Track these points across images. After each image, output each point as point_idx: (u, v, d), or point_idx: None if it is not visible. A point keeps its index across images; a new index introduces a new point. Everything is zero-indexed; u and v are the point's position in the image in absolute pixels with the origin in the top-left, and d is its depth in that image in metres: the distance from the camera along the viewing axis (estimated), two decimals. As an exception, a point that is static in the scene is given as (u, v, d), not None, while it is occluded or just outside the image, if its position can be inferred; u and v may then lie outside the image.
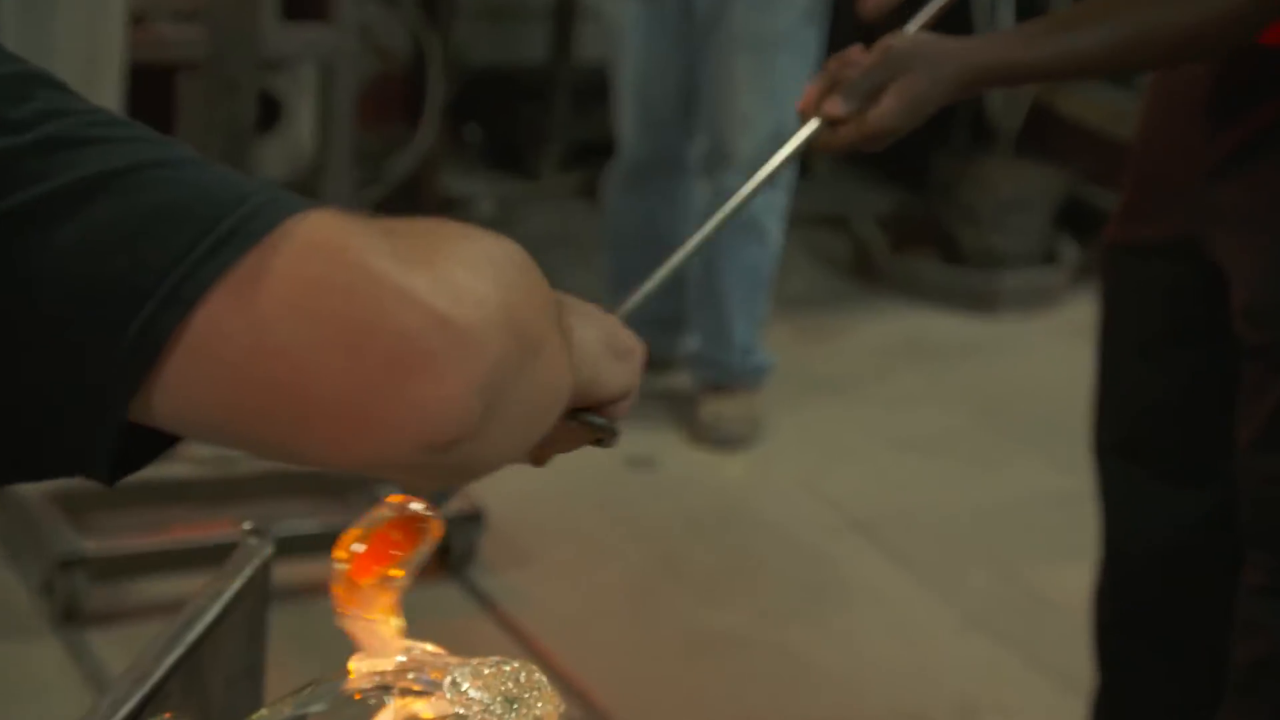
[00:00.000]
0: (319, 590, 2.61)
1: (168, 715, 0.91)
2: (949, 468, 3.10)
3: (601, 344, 0.80)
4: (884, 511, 2.92)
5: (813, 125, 1.37)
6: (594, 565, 2.66)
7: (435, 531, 0.80)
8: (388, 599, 0.78)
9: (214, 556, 1.96)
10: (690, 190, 3.13)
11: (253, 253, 0.61)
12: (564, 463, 3.58)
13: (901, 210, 4.06)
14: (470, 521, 2.52)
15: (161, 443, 0.66)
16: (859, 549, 2.80)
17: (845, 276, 3.84)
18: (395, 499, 0.80)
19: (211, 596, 1.04)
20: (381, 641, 0.81)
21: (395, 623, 0.79)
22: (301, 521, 2.36)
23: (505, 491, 2.81)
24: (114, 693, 0.93)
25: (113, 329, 0.61)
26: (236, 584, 1.05)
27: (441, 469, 0.65)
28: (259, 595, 1.09)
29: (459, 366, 0.62)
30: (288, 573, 2.30)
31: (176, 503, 2.45)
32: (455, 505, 2.54)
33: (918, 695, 2.38)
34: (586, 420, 0.81)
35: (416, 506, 0.80)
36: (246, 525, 1.10)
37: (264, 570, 1.09)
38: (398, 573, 0.78)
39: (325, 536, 2.64)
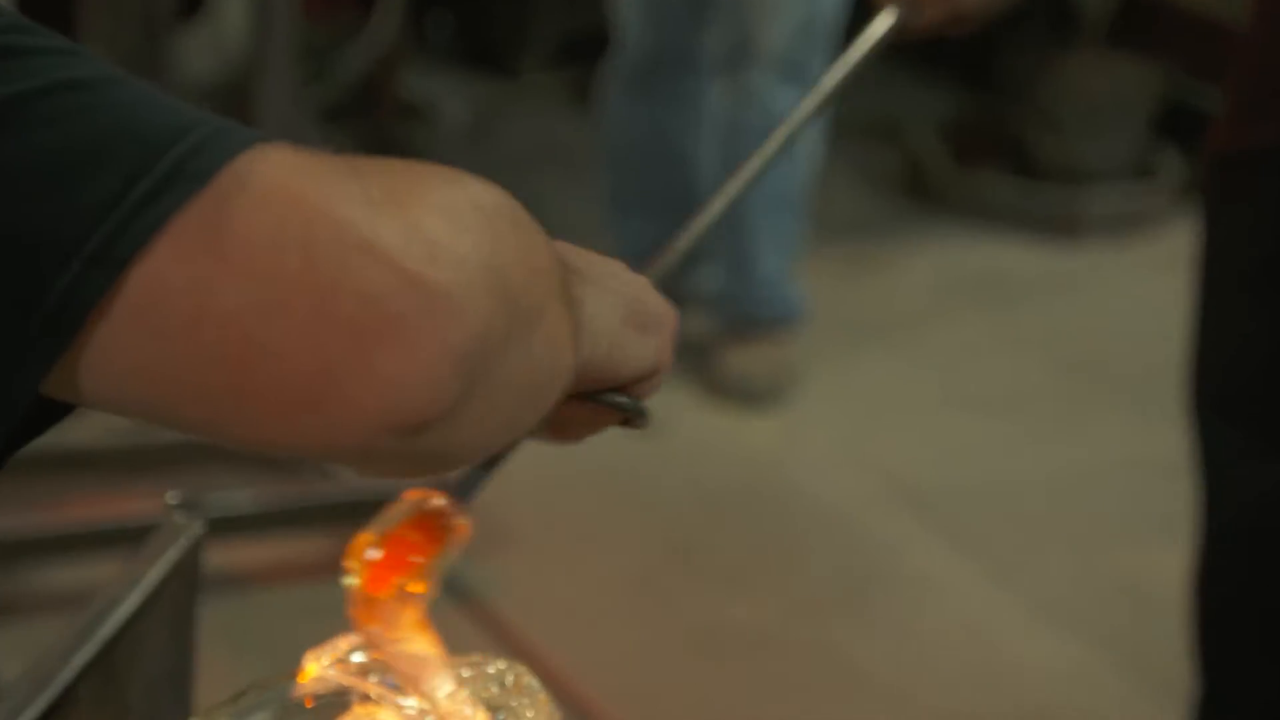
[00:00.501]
0: (256, 578, 2.64)
1: (78, 725, 0.93)
2: (1021, 431, 3.12)
3: (621, 315, 0.80)
4: (942, 484, 2.93)
5: (891, 13, 1.35)
6: (592, 550, 2.68)
7: (462, 531, 0.81)
8: (412, 614, 0.79)
9: (130, 539, 1.98)
10: (705, 93, 3.13)
11: (196, 200, 0.61)
12: (554, 425, 3.48)
13: (965, 116, 4.05)
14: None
15: (61, 410, 0.67)
16: (912, 529, 2.82)
17: (897, 197, 3.84)
18: (414, 493, 0.81)
19: (128, 585, 1.05)
20: (423, 664, 0.82)
21: (429, 639, 0.80)
22: (235, 496, 2.38)
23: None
24: (11, 700, 0.94)
25: (26, 296, 0.61)
26: (159, 570, 1.07)
27: (411, 456, 0.66)
28: (186, 583, 1.11)
29: (433, 335, 0.63)
30: (220, 557, 2.33)
31: (83, 474, 2.47)
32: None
33: (981, 703, 2.40)
34: (607, 401, 0.82)
35: (438, 502, 0.81)
36: (171, 499, 1.11)
37: (193, 554, 1.11)
38: (419, 586, 0.79)
39: (263, 515, 2.67)
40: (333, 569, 2.89)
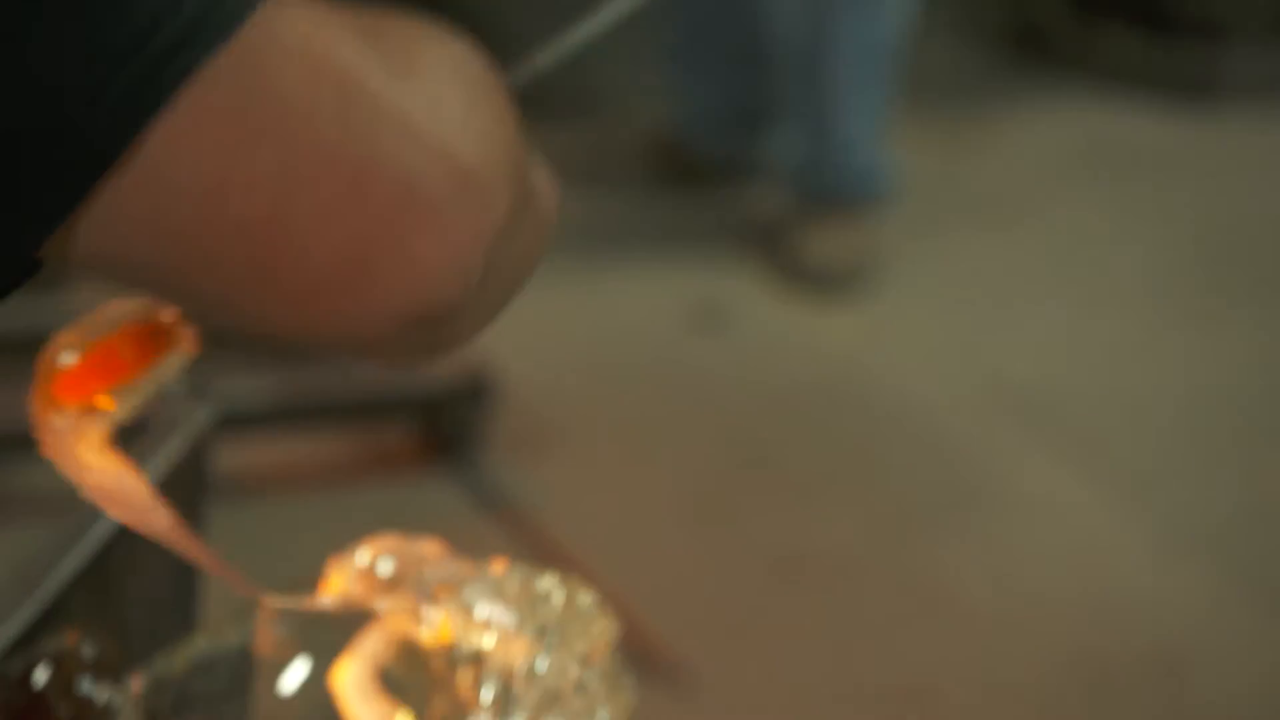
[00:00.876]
0: (264, 482, 2.65)
1: (71, 636, 0.93)
2: (1146, 327, 3.09)
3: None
4: (1053, 388, 2.92)
5: None
6: (645, 458, 2.69)
7: (186, 346, 0.80)
8: (95, 436, 0.78)
9: (125, 433, 1.97)
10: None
11: (222, 54, 0.64)
12: (607, 321, 3.62)
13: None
14: (469, 393, 2.55)
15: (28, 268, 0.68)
16: (1017, 438, 2.81)
17: (1007, 55, 3.81)
18: (131, 301, 0.80)
19: (126, 480, 1.05)
20: (456, 576, 0.82)
21: (113, 465, 0.79)
22: (241, 390, 2.39)
23: (523, 345, 2.83)
24: (-4, 607, 0.95)
25: (35, 155, 0.63)
26: (161, 463, 1.06)
27: (420, 346, 0.71)
28: (194, 477, 1.11)
29: (466, 221, 0.68)
30: (225, 458, 2.34)
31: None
32: (449, 372, 2.56)
33: (1096, 638, 2.41)
34: None
35: (165, 313, 0.80)
36: (176, 384, 1.11)
37: (202, 443, 1.11)
38: (108, 404, 0.78)
39: (273, 411, 2.68)
40: (349, 474, 2.91)
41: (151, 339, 0.80)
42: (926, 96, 3.52)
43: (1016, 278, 3.20)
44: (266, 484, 2.51)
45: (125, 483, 0.78)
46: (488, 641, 0.87)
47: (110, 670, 0.95)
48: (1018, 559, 2.56)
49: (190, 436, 1.10)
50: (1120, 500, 2.70)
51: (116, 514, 0.81)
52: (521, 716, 0.85)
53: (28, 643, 0.94)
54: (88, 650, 0.94)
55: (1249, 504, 2.70)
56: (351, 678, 0.85)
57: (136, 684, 0.94)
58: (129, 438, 1.11)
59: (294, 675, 0.90)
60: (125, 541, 1.03)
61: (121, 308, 0.80)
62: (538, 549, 2.41)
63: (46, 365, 0.79)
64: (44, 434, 0.79)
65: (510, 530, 2.46)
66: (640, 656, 2.23)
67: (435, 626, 0.87)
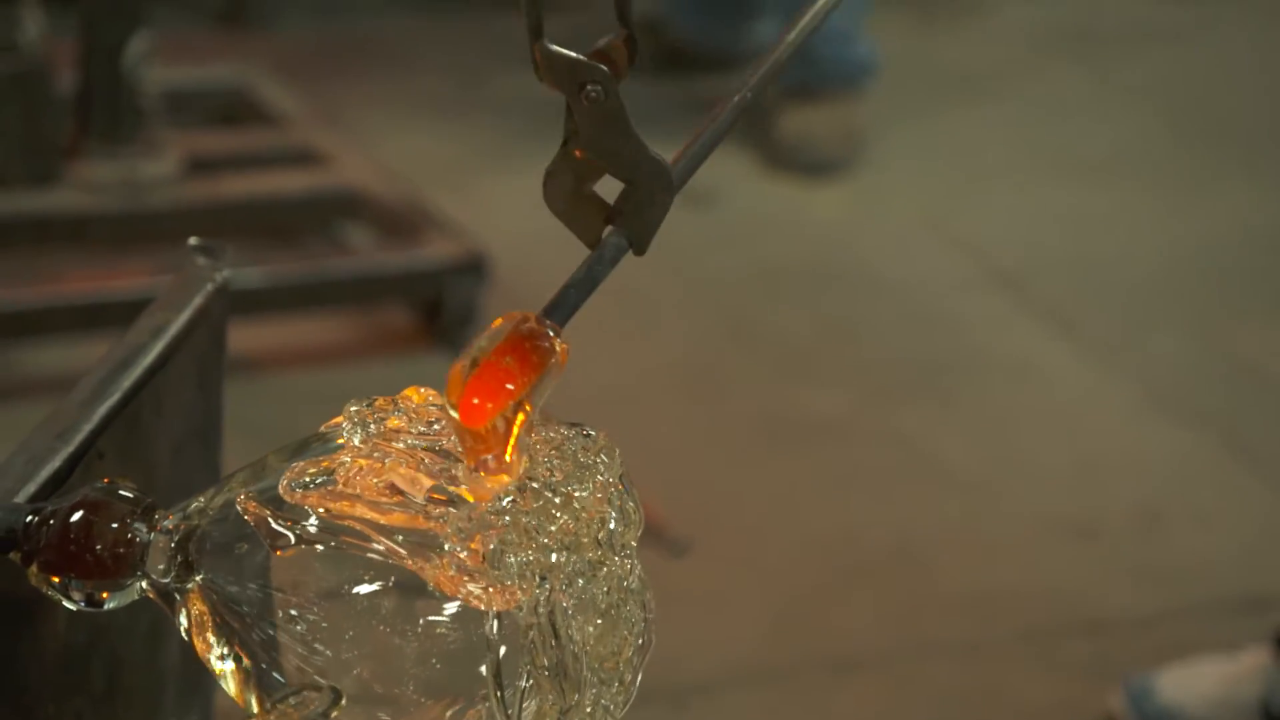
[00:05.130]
0: (268, 361, 2.67)
1: (104, 480, 0.94)
2: (1125, 199, 3.10)
3: None
4: (1037, 258, 2.93)
5: None
6: (640, 332, 2.70)
7: (561, 355, 0.82)
8: (512, 443, 0.81)
9: (119, 316, 1.99)
10: None
11: None
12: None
13: None
14: (467, 271, 2.56)
15: None
16: (1002, 308, 2.82)
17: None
18: (507, 317, 0.82)
19: (151, 332, 1.06)
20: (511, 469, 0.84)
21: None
22: (243, 270, 2.40)
23: (515, 231, 2.84)
24: (29, 450, 0.96)
25: None
26: (185, 315, 1.07)
27: None
28: (213, 332, 1.12)
29: None
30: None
31: (67, 247, 2.49)
32: (447, 250, 2.57)
33: (1082, 497, 2.43)
34: None
35: (534, 325, 0.81)
36: (194, 241, 1.12)
37: (218, 300, 1.12)
38: (519, 414, 0.81)
39: (277, 290, 2.68)
40: (349, 353, 2.93)
41: (529, 348, 0.81)
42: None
43: (995, 152, 3.21)
44: (268, 363, 2.52)
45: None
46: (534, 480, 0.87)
47: (143, 511, 0.97)
48: (1002, 422, 2.58)
49: (210, 290, 1.11)
50: (1100, 363, 2.72)
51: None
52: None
53: (63, 483, 0.95)
54: (122, 490, 0.95)
55: (1225, 363, 2.72)
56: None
57: (168, 524, 0.95)
58: (123, 328, 1.12)
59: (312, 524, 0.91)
60: (153, 386, 1.05)
61: (497, 329, 0.81)
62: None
63: (453, 392, 0.80)
64: (469, 449, 0.80)
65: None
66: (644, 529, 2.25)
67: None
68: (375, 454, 0.87)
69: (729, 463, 2.45)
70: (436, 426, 0.88)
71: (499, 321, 0.83)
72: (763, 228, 2.98)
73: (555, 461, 0.87)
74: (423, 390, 0.89)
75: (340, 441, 0.89)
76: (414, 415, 0.87)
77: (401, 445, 0.87)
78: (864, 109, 3.16)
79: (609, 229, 0.92)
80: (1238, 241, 2.99)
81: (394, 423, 0.89)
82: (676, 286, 2.80)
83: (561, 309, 0.86)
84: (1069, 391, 2.66)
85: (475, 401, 0.81)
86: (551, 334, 0.83)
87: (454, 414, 0.82)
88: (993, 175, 3.15)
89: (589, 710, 0.86)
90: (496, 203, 2.92)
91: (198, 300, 1.10)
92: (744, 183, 3.05)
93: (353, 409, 0.89)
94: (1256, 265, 2.92)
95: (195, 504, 0.97)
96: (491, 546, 0.82)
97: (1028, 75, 3.43)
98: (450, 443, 0.88)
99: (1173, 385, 2.67)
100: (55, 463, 0.96)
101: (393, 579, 0.87)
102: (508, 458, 0.83)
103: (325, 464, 0.89)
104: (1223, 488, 2.46)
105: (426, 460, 0.86)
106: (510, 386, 0.82)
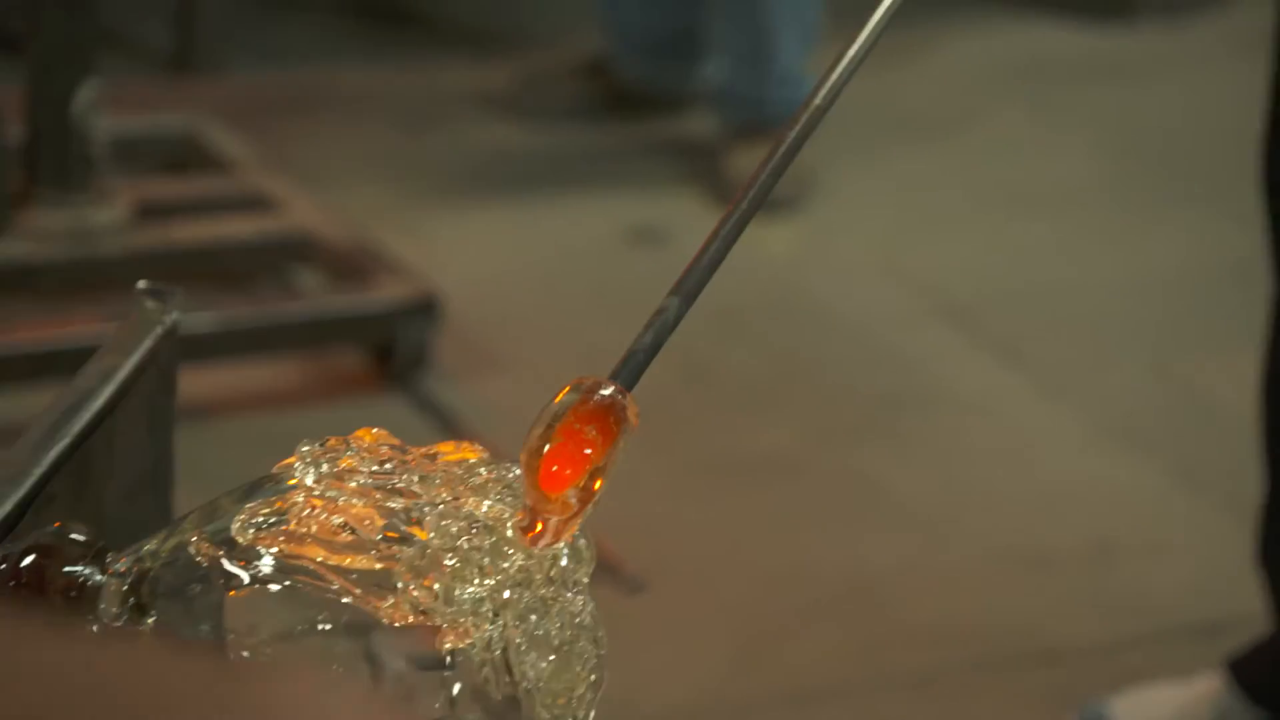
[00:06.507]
0: (217, 407, 2.65)
1: (55, 524, 0.94)
2: (1071, 233, 3.12)
3: None
4: (986, 293, 2.94)
5: None
6: (592, 371, 2.69)
7: (633, 419, 0.82)
8: (584, 512, 0.82)
9: (70, 365, 1.97)
10: None
11: None
12: (548, 243, 3.62)
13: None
14: (417, 313, 2.55)
15: None
16: (952, 343, 2.83)
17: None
18: (579, 381, 0.83)
19: (100, 376, 1.06)
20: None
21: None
22: (193, 315, 2.39)
23: (468, 273, 2.84)
24: (-20, 497, 0.95)
25: None
26: (135, 358, 1.07)
27: None
28: (162, 376, 1.12)
29: None
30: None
31: (15, 296, 2.47)
32: (398, 292, 2.57)
33: (1035, 531, 2.44)
34: None
35: (608, 390, 0.82)
36: (142, 284, 1.11)
37: (167, 343, 1.11)
38: (596, 482, 0.81)
39: (224, 336, 2.67)
40: (300, 397, 2.92)
41: (603, 414, 0.82)
42: (853, 16, 3.52)
43: (944, 188, 3.22)
44: (220, 407, 2.51)
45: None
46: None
47: (94, 554, 0.96)
48: (953, 457, 2.59)
49: (159, 332, 1.11)
50: (1048, 398, 2.73)
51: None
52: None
53: (14, 527, 0.95)
54: (73, 535, 0.95)
55: (1174, 394, 2.73)
56: None
57: (120, 566, 0.95)
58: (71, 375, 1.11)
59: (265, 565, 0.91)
60: (104, 430, 1.04)
61: (571, 395, 0.81)
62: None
63: (536, 457, 0.79)
64: (543, 513, 0.80)
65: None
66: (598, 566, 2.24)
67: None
68: (328, 493, 0.87)
69: (684, 500, 2.45)
70: (389, 466, 0.88)
71: (570, 387, 0.84)
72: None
73: (509, 499, 0.87)
74: (375, 431, 0.89)
75: (293, 482, 0.89)
76: (366, 455, 0.87)
77: (354, 484, 0.87)
78: (813, 148, 3.17)
79: (668, 295, 0.94)
80: (1185, 273, 3.01)
81: (347, 462, 0.89)
82: (628, 326, 2.80)
83: (630, 373, 0.85)
84: (1021, 424, 2.67)
85: (555, 469, 0.82)
86: (626, 402, 0.82)
87: (534, 481, 0.82)
88: (942, 211, 3.16)
89: (544, 746, 0.85)
90: (446, 245, 2.92)
91: (147, 343, 1.10)
92: (695, 221, 3.06)
93: (305, 449, 0.89)
94: (1204, 296, 2.94)
95: (147, 547, 0.96)
96: (444, 584, 0.82)
97: (975, 112, 3.45)
98: (403, 481, 0.88)
99: (1123, 416, 2.68)
100: (6, 507, 0.96)
101: (347, 618, 0.87)
102: (575, 527, 0.84)
103: (278, 504, 0.88)
104: (1174, 517, 2.48)
105: (380, 499, 0.86)
106: (589, 452, 0.82)
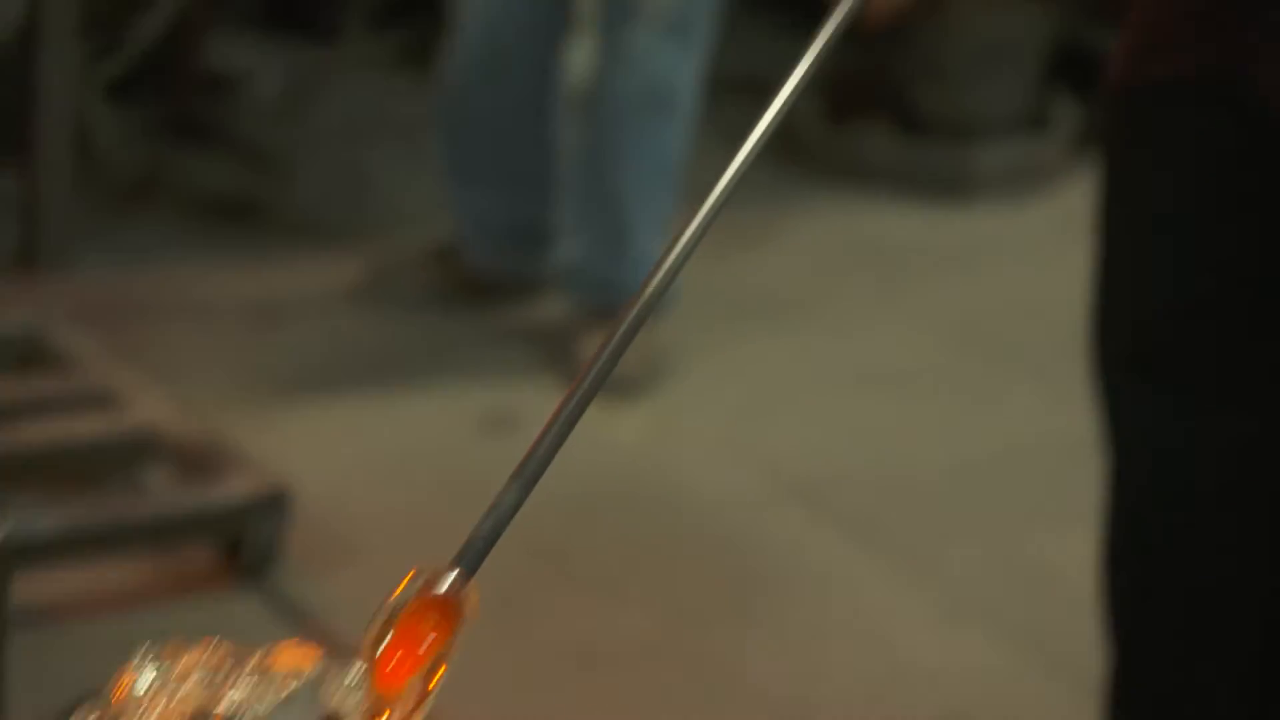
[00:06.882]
0: (62, 611, 2.59)
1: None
2: (916, 412, 3.16)
3: None
4: (834, 472, 2.97)
5: None
6: (442, 560, 2.68)
7: (472, 606, 0.83)
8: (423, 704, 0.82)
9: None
10: (572, 50, 3.13)
11: None
12: (398, 433, 3.59)
13: (840, 67, 4.10)
14: (267, 508, 2.53)
15: None
16: (803, 523, 2.85)
17: (770, 159, 3.87)
18: (418, 570, 0.84)
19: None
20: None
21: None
22: (35, 519, 2.35)
23: (319, 466, 2.82)
24: None
25: None
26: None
27: None
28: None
29: None
30: (19, 588, 2.29)
31: None
32: (246, 486, 2.54)
33: (889, 709, 2.44)
34: None
35: (447, 580, 0.84)
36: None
37: (2, 564, 1.10)
38: (436, 673, 0.82)
39: (67, 539, 2.62)
40: (147, 597, 2.87)
41: (442, 603, 0.83)
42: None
43: (792, 371, 3.26)
44: (63, 612, 2.46)
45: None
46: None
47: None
48: (807, 639, 2.59)
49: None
50: (899, 576, 2.75)
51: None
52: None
53: None
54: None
55: (1022, 568, 2.76)
56: None
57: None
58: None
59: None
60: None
61: (410, 586, 0.83)
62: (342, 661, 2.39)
63: (369, 653, 0.81)
64: (390, 718, 0.81)
65: (314, 644, 2.44)
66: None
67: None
68: (168, 687, 0.87)
69: (538, 691, 2.43)
70: (227, 667, 0.88)
71: (410, 576, 0.85)
72: (564, 451, 2.98)
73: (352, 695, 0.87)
74: (218, 640, 0.89)
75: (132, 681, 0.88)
76: (206, 655, 0.86)
77: (194, 679, 0.87)
78: (664, 333, 3.20)
79: (509, 480, 0.95)
80: (1029, 448, 3.06)
81: (186, 661, 0.88)
82: (474, 514, 2.79)
83: (471, 559, 0.88)
84: (873, 604, 2.68)
85: (395, 661, 0.82)
86: (464, 587, 0.84)
87: (375, 673, 0.82)
88: (789, 392, 3.20)
89: None
90: (297, 439, 2.90)
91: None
92: (547, 408, 3.04)
93: (144, 650, 0.89)
94: (1048, 471, 2.98)
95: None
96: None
97: (822, 293, 3.50)
98: (237, 682, 0.87)
99: (973, 592, 2.70)
100: None
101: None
102: (419, 717, 0.84)
103: (115, 703, 0.88)
104: (1026, 693, 2.49)
105: (219, 694, 0.86)
106: (429, 643, 0.83)
